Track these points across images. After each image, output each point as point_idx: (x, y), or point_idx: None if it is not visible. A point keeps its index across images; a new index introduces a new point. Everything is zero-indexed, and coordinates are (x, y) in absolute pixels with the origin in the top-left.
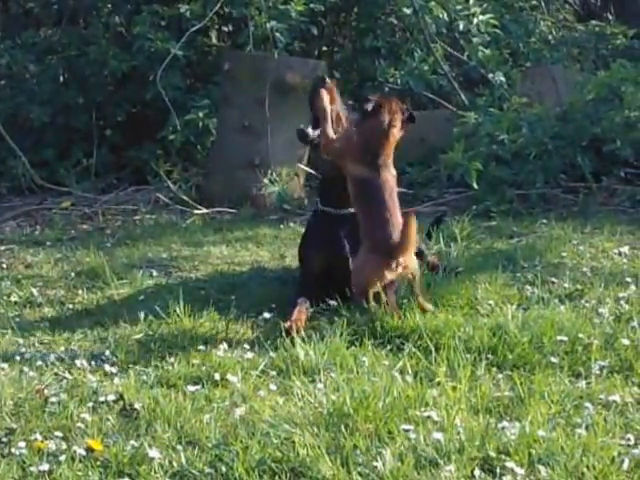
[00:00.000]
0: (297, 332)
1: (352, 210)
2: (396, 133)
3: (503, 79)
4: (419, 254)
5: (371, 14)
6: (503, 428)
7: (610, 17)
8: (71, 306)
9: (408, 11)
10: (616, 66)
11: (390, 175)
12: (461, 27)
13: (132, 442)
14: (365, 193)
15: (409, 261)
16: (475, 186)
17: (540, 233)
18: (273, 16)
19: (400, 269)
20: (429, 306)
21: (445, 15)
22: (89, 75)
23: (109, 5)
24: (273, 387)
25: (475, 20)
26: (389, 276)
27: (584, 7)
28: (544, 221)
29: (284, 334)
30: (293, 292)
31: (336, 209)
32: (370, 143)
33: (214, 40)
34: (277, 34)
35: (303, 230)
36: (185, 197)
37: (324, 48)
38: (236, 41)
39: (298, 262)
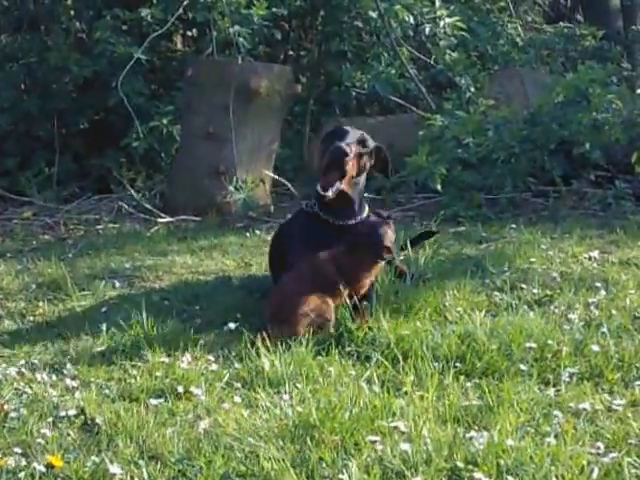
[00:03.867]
0: (262, 341)
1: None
2: None
3: (471, 82)
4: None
5: (337, 18)
6: (471, 438)
7: (579, 18)
8: (32, 318)
9: (374, 14)
10: (584, 68)
11: None
12: (427, 30)
13: (93, 458)
14: None
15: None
16: (439, 189)
17: (509, 238)
18: (236, 21)
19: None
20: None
21: (411, 18)
22: (50, 82)
23: (70, 11)
24: (238, 399)
25: (442, 23)
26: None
27: (554, 9)
28: (513, 226)
29: (251, 346)
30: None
31: (337, 220)
32: None
33: (179, 45)
34: (240, 39)
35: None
36: (149, 205)
37: (290, 52)
38: (200, 46)
39: (274, 268)
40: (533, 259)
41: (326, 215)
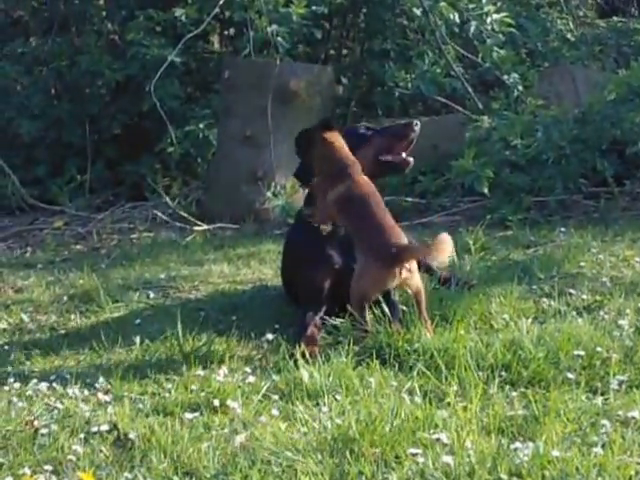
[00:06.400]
0: (311, 356)
1: None
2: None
3: (519, 80)
4: (428, 269)
5: (379, 15)
6: (516, 449)
7: (634, 12)
8: (63, 332)
9: (418, 12)
10: (637, 64)
11: (363, 180)
12: (474, 27)
13: (126, 474)
14: (347, 207)
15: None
16: (487, 193)
17: (558, 242)
18: (274, 20)
19: (405, 273)
20: (429, 327)
21: (457, 15)
22: (82, 86)
23: (102, 12)
24: (275, 412)
25: (489, 19)
26: (391, 283)
27: (607, 2)
28: (562, 229)
29: (290, 358)
30: (299, 312)
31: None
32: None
33: (216, 46)
34: (279, 39)
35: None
36: (184, 213)
37: (331, 52)
38: (237, 47)
39: (294, 282)
40: (583, 263)
41: None
